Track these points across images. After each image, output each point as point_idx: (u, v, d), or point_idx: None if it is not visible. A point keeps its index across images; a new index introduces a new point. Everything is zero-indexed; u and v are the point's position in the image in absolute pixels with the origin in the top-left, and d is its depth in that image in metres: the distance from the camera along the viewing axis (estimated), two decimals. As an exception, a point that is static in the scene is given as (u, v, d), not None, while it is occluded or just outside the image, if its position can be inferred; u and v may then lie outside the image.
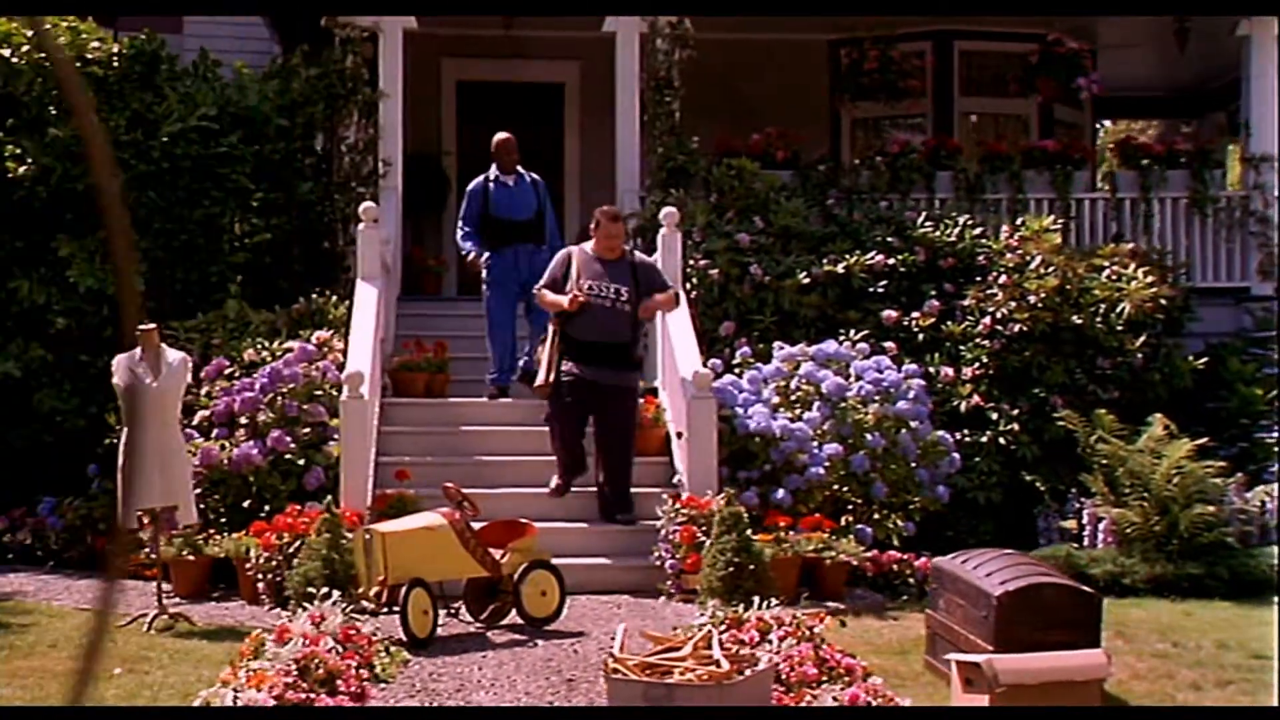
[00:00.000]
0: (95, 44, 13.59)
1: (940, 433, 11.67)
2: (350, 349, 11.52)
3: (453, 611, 9.35)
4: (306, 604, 8.46)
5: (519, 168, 13.14)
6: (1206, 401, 13.65)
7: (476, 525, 9.61)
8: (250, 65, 14.89)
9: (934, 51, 17.08)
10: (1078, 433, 12.06)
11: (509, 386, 12.67)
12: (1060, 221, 14.10)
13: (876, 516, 11.37)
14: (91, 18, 14.10)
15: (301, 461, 11.27)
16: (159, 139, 13.42)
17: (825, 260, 13.20)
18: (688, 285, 13.02)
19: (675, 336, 11.89)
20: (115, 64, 13.60)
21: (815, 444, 11.20)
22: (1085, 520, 12.13)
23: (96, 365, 12.89)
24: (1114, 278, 13.26)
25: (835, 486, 11.28)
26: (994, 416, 12.72)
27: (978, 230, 13.67)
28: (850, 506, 11.43)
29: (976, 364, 12.88)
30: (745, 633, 8.10)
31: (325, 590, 8.54)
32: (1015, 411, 12.71)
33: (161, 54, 13.94)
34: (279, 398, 11.48)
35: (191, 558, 10.61)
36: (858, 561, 10.57)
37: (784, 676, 7.19)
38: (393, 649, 8.40)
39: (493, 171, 13.13)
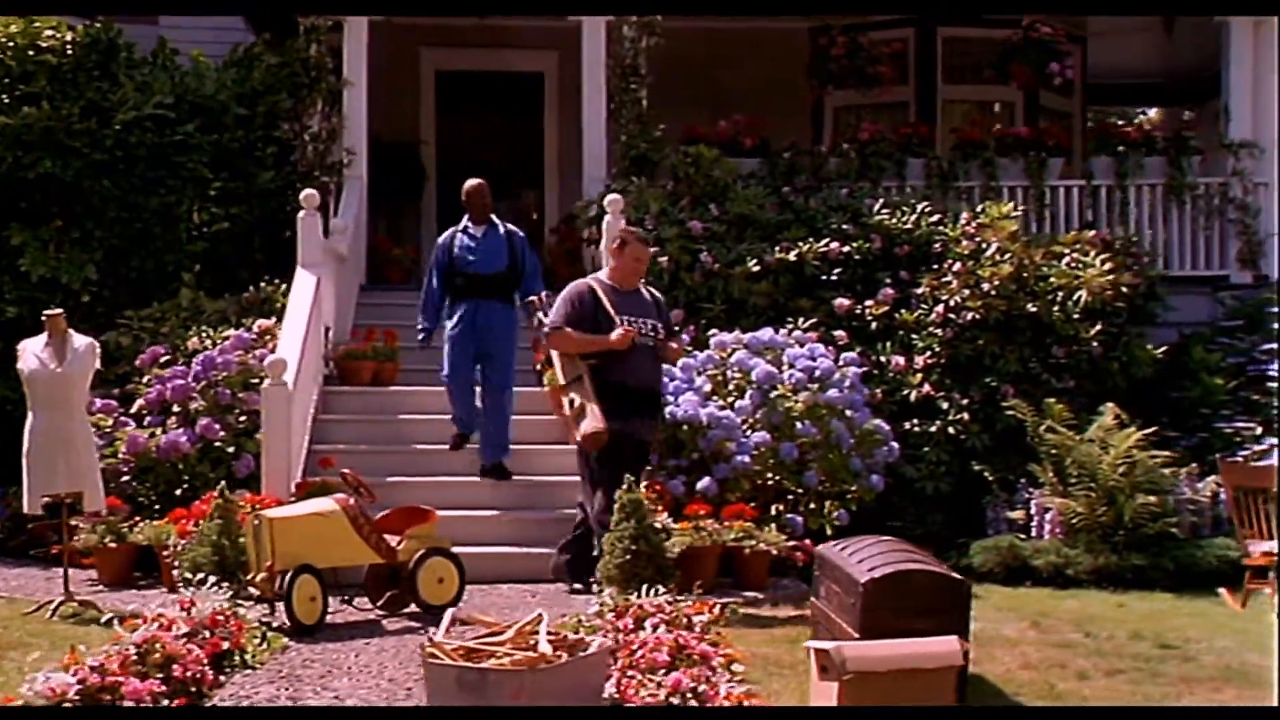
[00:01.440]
0: (49, 32, 13.61)
1: (877, 421, 11.51)
2: (281, 336, 11.50)
3: (346, 599, 9.30)
4: (186, 589, 8.42)
5: (493, 218, 11.86)
6: (1171, 391, 13.42)
7: (383, 512, 9.58)
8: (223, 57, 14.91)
9: (916, 38, 16.88)
10: (1027, 422, 11.90)
11: (472, 434, 11.77)
12: (1022, 209, 13.86)
13: (812, 505, 11.23)
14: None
15: (232, 449, 11.25)
16: (113, 127, 13.44)
17: (777, 248, 13.06)
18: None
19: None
20: (70, 52, 13.62)
21: (744, 432, 11.07)
22: (1033, 511, 11.95)
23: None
24: (1074, 265, 13.03)
25: (768, 475, 11.14)
26: (944, 406, 12.53)
27: (935, 217, 13.48)
28: (790, 496, 11.29)
29: (928, 353, 12.70)
30: (621, 620, 8.01)
31: (201, 576, 8.50)
32: (966, 401, 12.51)
33: (119, 42, 13.97)
34: (212, 386, 11.47)
35: (114, 545, 10.59)
36: (779, 551, 10.45)
37: (637, 663, 7.09)
38: (271, 635, 8.37)
39: (463, 221, 11.89)
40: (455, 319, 11.64)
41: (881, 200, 13.73)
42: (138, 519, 10.82)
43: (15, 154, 13.14)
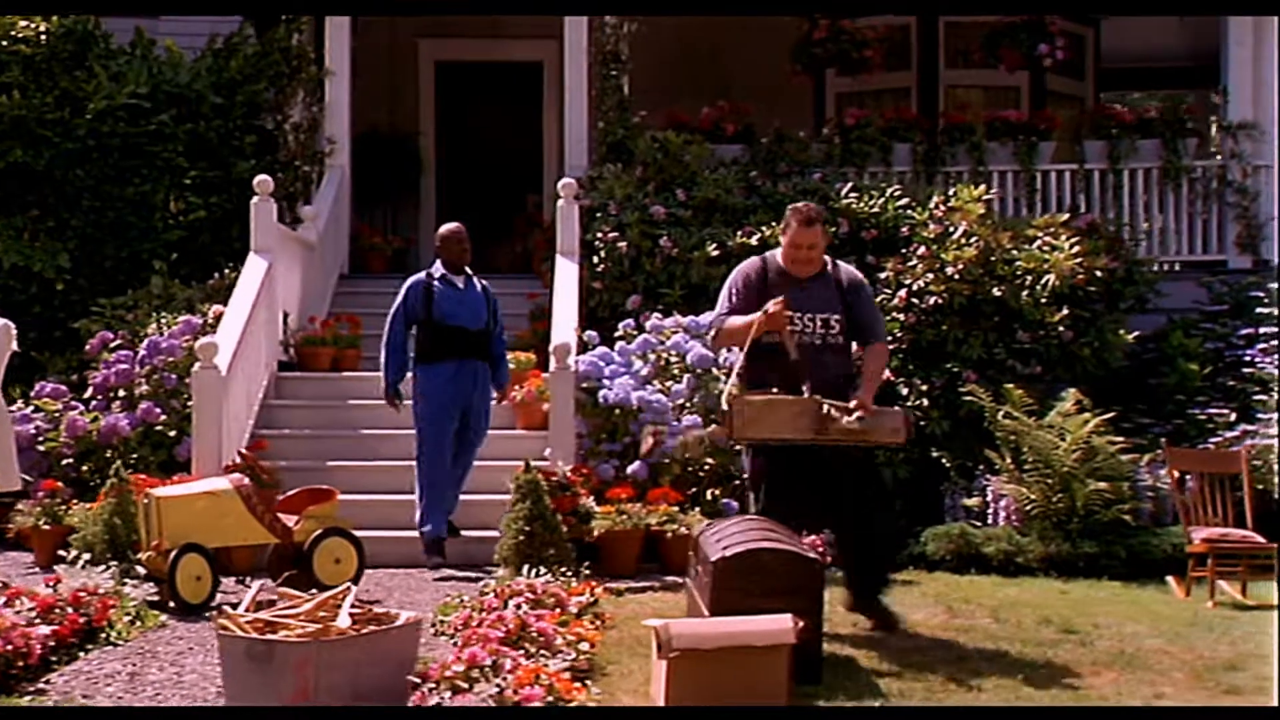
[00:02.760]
0: (24, 23, 13.77)
1: (819, 405, 11.30)
2: (223, 321, 11.52)
3: (241, 579, 9.30)
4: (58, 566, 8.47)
5: (467, 269, 10.79)
6: (1151, 378, 13.13)
7: (291, 492, 9.60)
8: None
9: (918, 23, 16.65)
10: (985, 408, 11.67)
11: (443, 540, 10.47)
12: (991, 195, 13.53)
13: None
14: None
15: (174, 433, 11.31)
16: (85, 117, 13.57)
17: (739, 232, 12.91)
18: (595, 258, 12.86)
19: (557, 309, 11.80)
20: (44, 42, 13.77)
21: (675, 415, 10.94)
22: (989, 497, 11.74)
23: (23, 343, 13.14)
24: (1045, 249, 12.75)
25: (706, 460, 10.99)
26: (904, 391, 12.31)
27: (903, 200, 13.26)
28: (731, 480, 11.15)
29: (890, 337, 12.47)
30: (488, 600, 7.96)
31: (77, 554, 8.53)
32: (926, 387, 12.29)
33: (96, 33, 14.10)
34: (157, 370, 11.54)
35: (48, 527, 10.65)
36: (703, 535, 10.30)
37: (470, 639, 7.01)
38: (149, 613, 8.38)
39: (437, 268, 10.72)
40: (438, 378, 10.43)
41: (850, 184, 13.51)
42: (74, 501, 10.88)
43: (-13, 143, 13.35)
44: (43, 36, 13.81)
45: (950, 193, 13.21)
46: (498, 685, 5.90)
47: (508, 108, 17.67)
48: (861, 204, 13.20)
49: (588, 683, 7.08)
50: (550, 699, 6.02)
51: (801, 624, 6.85)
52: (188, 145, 13.96)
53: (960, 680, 7.37)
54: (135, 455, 11.21)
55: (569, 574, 8.88)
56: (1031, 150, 14.75)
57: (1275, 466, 11.56)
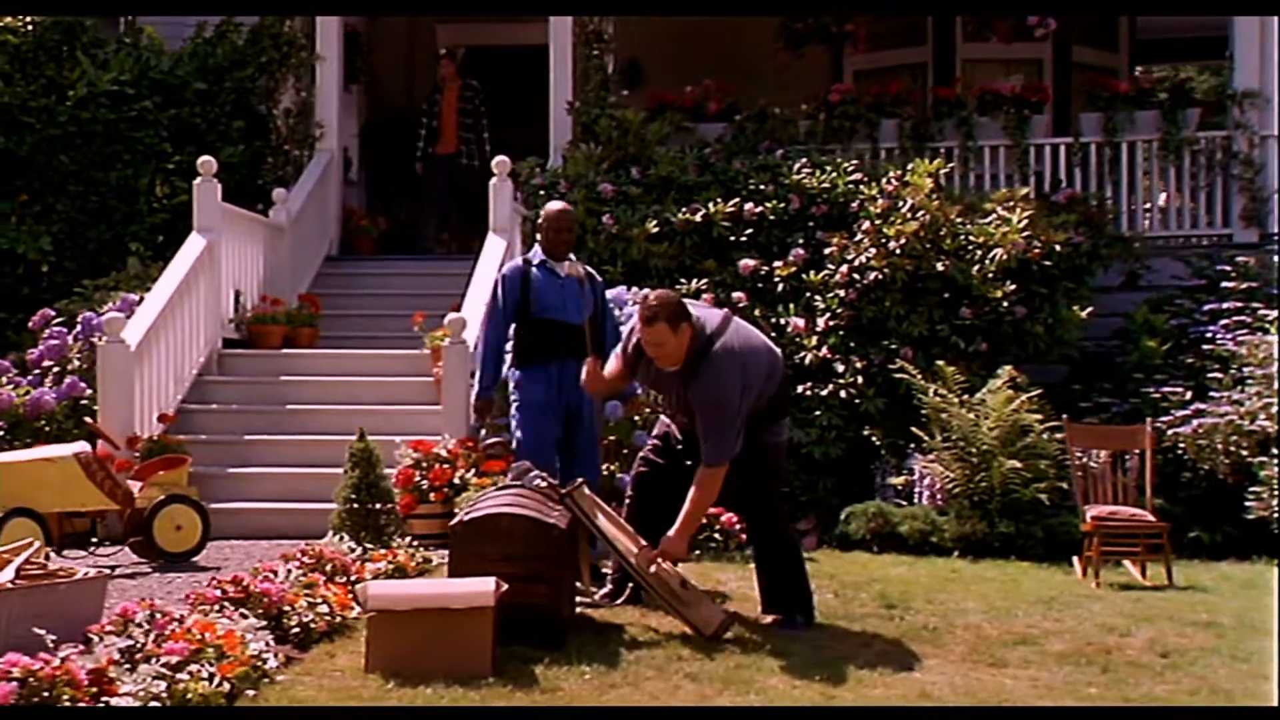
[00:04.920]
0: (11, 13, 14.27)
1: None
2: (148, 298, 11.76)
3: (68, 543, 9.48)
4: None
5: (572, 255, 9.51)
6: (1117, 356, 12.72)
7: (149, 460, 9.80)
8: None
9: (934, -4, 16.30)
10: (914, 385, 11.40)
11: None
12: (945, 169, 13.12)
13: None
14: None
15: (98, 408, 11.56)
16: (67, 104, 13.98)
17: (684, 209, 12.78)
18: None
19: (475, 285, 11.82)
20: (31, 32, 14.21)
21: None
22: (915, 476, 11.47)
23: (11, 323, 13.67)
24: (1000, 224, 12.38)
25: (610, 436, 10.90)
26: (840, 369, 12.07)
27: (855, 176, 12.99)
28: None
29: (829, 314, 12.26)
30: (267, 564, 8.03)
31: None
32: (862, 364, 12.03)
33: (85, 22, 14.50)
34: (90, 346, 11.82)
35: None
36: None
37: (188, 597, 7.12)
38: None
39: (536, 254, 9.45)
40: (536, 385, 9.11)
41: (804, 159, 13.28)
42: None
43: (-27, 128, 13.83)
44: (29, 26, 14.22)
45: (908, 167, 12.89)
46: (133, 640, 5.94)
47: (525, 91, 17.66)
48: (813, 179, 12.96)
49: (320, 642, 7.15)
50: (209, 650, 6.07)
51: (506, 587, 6.79)
52: (172, 131, 14.30)
53: (708, 649, 7.24)
54: (61, 428, 11.49)
55: (396, 543, 8.89)
56: (1023, 124, 14.33)
57: (1219, 446, 11.14)
